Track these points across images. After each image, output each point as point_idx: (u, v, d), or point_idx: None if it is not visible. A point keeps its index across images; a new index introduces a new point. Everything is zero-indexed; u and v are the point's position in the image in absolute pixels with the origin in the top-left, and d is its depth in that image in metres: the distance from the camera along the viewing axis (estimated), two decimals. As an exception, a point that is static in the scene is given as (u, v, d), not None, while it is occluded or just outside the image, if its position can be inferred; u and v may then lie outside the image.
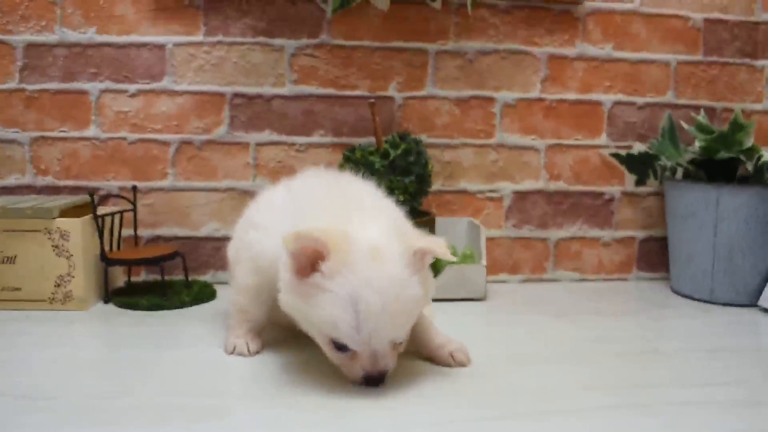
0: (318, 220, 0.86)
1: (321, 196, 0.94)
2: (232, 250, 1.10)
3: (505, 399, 0.86)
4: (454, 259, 0.94)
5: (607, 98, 1.53)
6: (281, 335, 1.09)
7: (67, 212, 1.27)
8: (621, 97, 1.54)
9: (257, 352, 1.03)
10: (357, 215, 0.88)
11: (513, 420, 0.80)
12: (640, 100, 1.54)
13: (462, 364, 0.97)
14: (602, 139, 1.55)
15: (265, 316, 1.05)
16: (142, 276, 1.48)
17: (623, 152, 1.51)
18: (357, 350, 0.84)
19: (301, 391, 0.88)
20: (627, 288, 1.52)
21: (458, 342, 0.99)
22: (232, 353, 1.02)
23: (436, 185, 1.48)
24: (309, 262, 0.83)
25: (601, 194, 1.56)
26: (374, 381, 0.86)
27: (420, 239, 0.89)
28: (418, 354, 1.00)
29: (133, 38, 1.44)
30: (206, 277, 1.48)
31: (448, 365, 0.97)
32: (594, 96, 1.53)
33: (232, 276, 1.08)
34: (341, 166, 1.36)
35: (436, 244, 0.88)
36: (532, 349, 1.07)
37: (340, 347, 0.85)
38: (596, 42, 1.52)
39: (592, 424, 0.80)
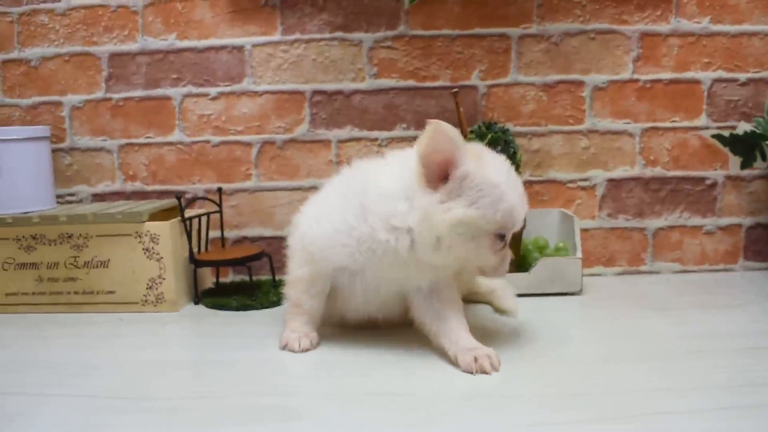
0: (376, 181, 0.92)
1: (371, 166, 0.98)
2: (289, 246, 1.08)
3: (602, 400, 0.80)
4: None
5: (706, 76, 1.43)
6: (368, 334, 1.06)
7: (156, 216, 1.29)
8: (721, 73, 1.43)
9: (308, 348, 1.00)
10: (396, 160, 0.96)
11: (611, 423, 0.73)
12: (742, 76, 1.43)
13: (484, 371, 0.89)
14: (702, 120, 1.44)
15: (320, 308, 1.03)
16: (229, 276, 1.49)
17: (726, 133, 1.40)
18: (509, 230, 0.90)
19: (389, 391, 0.85)
20: (734, 279, 1.41)
21: (488, 349, 0.92)
22: (284, 348, 1.01)
23: (524, 175, 1.42)
24: (440, 170, 0.86)
25: (702, 179, 1.46)
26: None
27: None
28: (445, 355, 0.94)
29: (212, 42, 1.45)
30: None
31: (470, 371, 0.89)
32: (691, 74, 1.43)
33: (288, 271, 1.06)
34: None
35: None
36: (631, 347, 1.00)
37: (502, 237, 0.89)
38: (692, 16, 1.42)
39: (702, 427, 0.72)
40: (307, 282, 1.01)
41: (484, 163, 0.87)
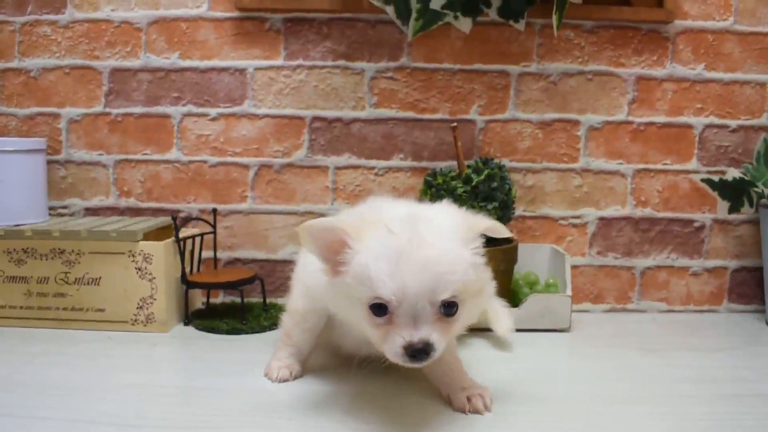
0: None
1: (372, 208, 0.90)
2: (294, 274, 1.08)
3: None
4: (510, 234, 0.90)
5: (698, 121, 1.46)
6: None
7: (150, 235, 1.29)
8: (713, 119, 1.46)
9: (286, 379, 1.00)
10: (407, 206, 0.88)
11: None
12: (733, 122, 1.47)
13: (477, 411, 0.89)
14: (693, 163, 1.47)
15: (309, 345, 1.04)
16: (220, 297, 1.48)
17: (715, 178, 1.43)
18: (394, 308, 0.76)
19: (380, 428, 0.85)
20: (718, 321, 1.44)
21: (482, 388, 0.92)
22: (265, 376, 1.02)
23: (517, 210, 1.43)
24: (335, 255, 0.81)
25: (691, 222, 1.48)
26: (415, 352, 0.76)
27: (477, 218, 0.86)
28: (439, 394, 0.95)
29: (215, 63, 1.46)
30: (283, 301, 1.46)
31: (462, 410, 0.89)
32: (684, 119, 1.46)
33: (289, 298, 1.06)
34: (422, 192, 1.33)
35: (493, 222, 0.85)
36: (618, 388, 1.01)
37: (379, 309, 0.78)
38: (687, 62, 1.45)
39: None
40: (300, 315, 1.01)
41: (367, 238, 0.80)
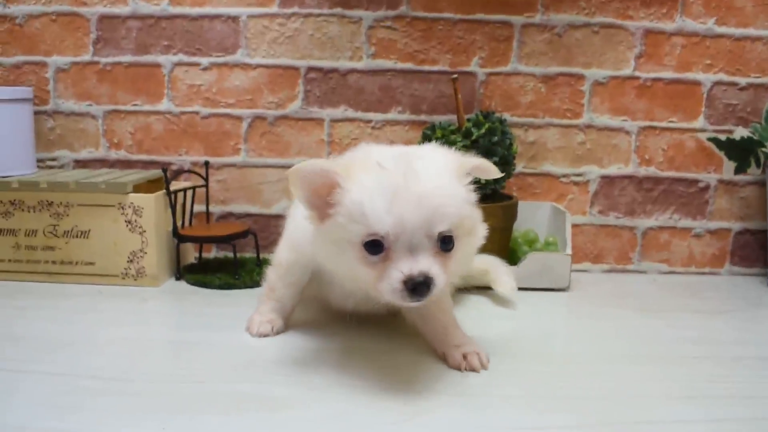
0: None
1: (368, 150, 0.85)
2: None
3: (589, 405, 0.78)
4: (500, 174, 0.87)
5: (707, 78, 1.41)
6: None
7: (140, 187, 1.25)
8: (722, 76, 1.41)
9: (266, 334, 0.98)
10: (397, 148, 0.85)
11: (593, 429, 0.73)
12: (742, 80, 1.42)
13: (473, 369, 0.87)
14: (699, 122, 1.43)
15: (293, 300, 1.01)
16: (212, 252, 1.46)
17: (722, 137, 1.39)
18: (391, 242, 0.74)
19: (373, 385, 0.83)
20: (719, 283, 1.41)
21: (478, 345, 0.90)
22: (246, 331, 1.00)
23: (518, 167, 1.40)
24: (324, 200, 0.78)
25: (695, 182, 1.45)
26: (416, 287, 0.73)
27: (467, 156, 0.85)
28: (434, 352, 0.93)
29: (207, 10, 1.40)
30: (276, 257, 1.45)
31: (458, 368, 0.87)
32: (692, 75, 1.41)
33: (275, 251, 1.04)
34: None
35: (482, 160, 0.85)
36: (618, 348, 0.99)
37: (374, 246, 0.75)
38: (697, 16, 1.39)
39: None
40: (285, 269, 0.99)
41: (357, 177, 0.77)
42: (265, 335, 0.98)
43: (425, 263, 0.74)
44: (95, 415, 0.73)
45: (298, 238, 0.93)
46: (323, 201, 0.78)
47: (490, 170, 0.85)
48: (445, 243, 0.77)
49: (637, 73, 1.41)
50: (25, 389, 0.78)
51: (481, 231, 0.86)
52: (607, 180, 1.44)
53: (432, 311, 0.92)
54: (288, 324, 1.02)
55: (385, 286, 0.75)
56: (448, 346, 0.90)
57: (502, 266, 1.20)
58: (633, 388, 0.84)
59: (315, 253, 0.85)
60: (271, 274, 1.02)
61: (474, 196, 0.83)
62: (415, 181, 0.75)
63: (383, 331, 1.01)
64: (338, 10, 1.39)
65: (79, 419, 0.72)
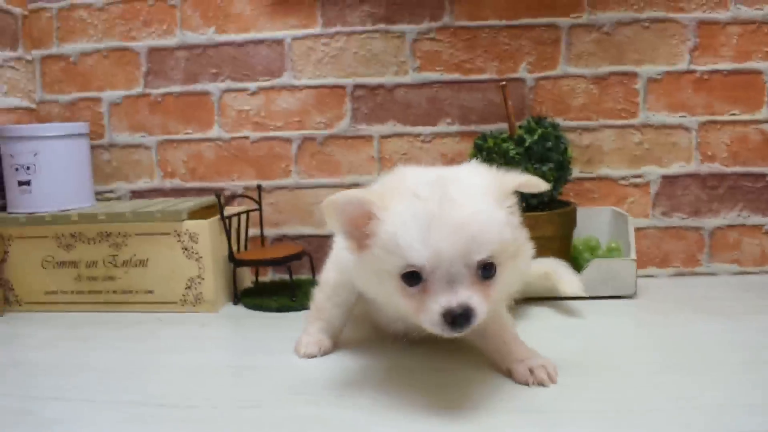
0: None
1: (396, 176, 0.83)
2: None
3: (662, 417, 0.74)
4: (548, 186, 0.82)
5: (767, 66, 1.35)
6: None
7: (195, 214, 1.26)
8: (785, 63, 1.35)
9: (314, 355, 0.97)
10: (433, 170, 0.82)
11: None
12: (807, 66, 1.35)
13: (541, 383, 0.83)
14: (763, 112, 1.36)
15: (341, 320, 1.00)
16: (269, 276, 1.46)
17: (789, 127, 1.33)
18: (428, 274, 0.72)
19: (437, 403, 0.80)
20: (796, 281, 1.34)
21: (544, 358, 0.86)
22: (295, 352, 0.98)
23: (574, 171, 1.36)
24: (360, 231, 0.76)
25: (762, 175, 1.38)
26: (456, 318, 0.71)
27: (509, 175, 0.80)
28: (498, 369, 0.89)
29: (252, 35, 1.42)
30: (332, 277, 1.44)
31: (525, 383, 0.83)
32: (752, 64, 1.35)
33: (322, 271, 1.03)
34: (472, 156, 1.27)
35: (527, 177, 0.80)
36: (690, 356, 0.93)
37: (411, 278, 0.73)
38: (753, 2, 1.33)
39: None
40: (331, 288, 0.98)
41: (391, 206, 0.75)
42: (313, 356, 0.97)
43: (464, 295, 0.72)
44: (159, 444, 0.72)
45: (344, 258, 0.90)
46: (360, 231, 0.77)
47: (536, 185, 0.81)
48: (486, 270, 0.74)
49: (693, 67, 1.36)
50: (91, 418, 0.79)
51: (528, 252, 0.83)
52: (669, 180, 1.38)
53: (491, 328, 0.89)
54: (338, 344, 1.01)
55: (424, 318, 0.73)
56: (513, 361, 0.86)
57: (563, 267, 1.16)
58: (710, 397, 0.79)
59: (356, 282, 0.85)
60: (318, 294, 1.01)
61: (517, 218, 0.79)
62: (451, 208, 0.72)
63: (441, 350, 0.98)
64: (381, 26, 1.38)
65: (144, 448, 0.71)
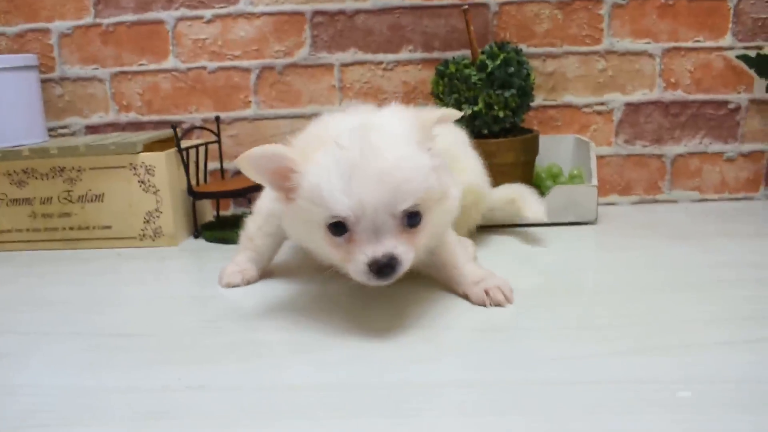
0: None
1: (318, 124, 0.83)
2: None
3: (623, 333, 0.75)
4: (461, 113, 0.83)
5: (734, -9, 1.34)
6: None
7: (152, 147, 1.23)
8: (750, -12, 1.34)
9: (236, 284, 0.97)
10: (354, 116, 0.81)
11: (633, 356, 0.69)
12: (772, -10, 1.34)
13: (498, 304, 0.83)
14: (727, 39, 1.35)
15: (271, 250, 0.99)
16: (230, 209, 1.44)
17: (752, 53, 1.32)
18: (352, 224, 0.72)
19: (398, 325, 0.80)
20: (755, 208, 1.35)
21: (499, 278, 0.86)
22: (219, 281, 0.98)
23: (537, 99, 1.34)
24: (284, 184, 0.76)
25: (725, 103, 1.38)
26: (381, 268, 0.71)
27: (427, 113, 0.79)
28: (455, 292, 0.89)
29: (206, -40, 1.36)
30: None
31: (482, 304, 0.84)
32: (717, -11, 1.34)
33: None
34: (434, 82, 1.24)
35: (442, 110, 0.79)
36: (648, 277, 0.95)
37: (337, 228, 0.73)
38: (720, -75, 1.31)
39: (720, 361, 0.67)
40: (263, 218, 0.97)
41: (313, 158, 0.74)
42: (235, 285, 0.97)
43: (389, 244, 0.72)
44: (115, 370, 0.71)
45: None
46: (284, 182, 0.76)
47: (453, 115, 0.81)
48: (412, 218, 0.74)
49: (658, -8, 1.34)
50: (45, 350, 0.78)
51: (454, 194, 0.82)
52: (632, 107, 1.38)
53: (442, 257, 0.89)
54: (265, 274, 1.01)
55: (352, 268, 0.74)
56: (468, 285, 0.86)
57: (528, 192, 1.15)
58: (668, 314, 0.80)
59: (285, 230, 0.84)
60: (250, 223, 1.00)
61: (442, 161, 0.78)
62: (374, 157, 0.71)
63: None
64: (340, -52, 1.33)
65: (98, 374, 0.71)
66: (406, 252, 0.73)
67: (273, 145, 0.76)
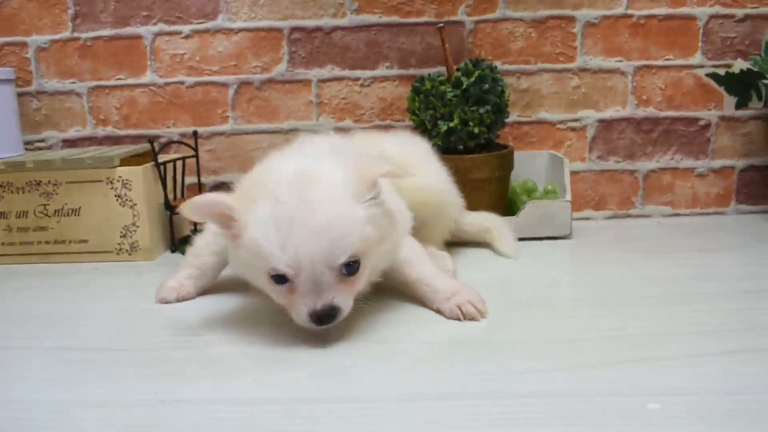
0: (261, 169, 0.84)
1: (261, 170, 0.85)
2: None
3: (594, 346, 0.76)
4: (414, 175, 0.85)
5: (702, 11, 1.37)
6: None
7: (129, 161, 1.23)
8: (718, 9, 1.37)
9: (167, 301, 0.97)
10: (310, 154, 0.84)
11: (603, 369, 0.70)
12: (739, 11, 1.37)
13: (472, 318, 0.84)
14: (697, 58, 1.39)
15: (214, 270, 0.99)
16: (208, 225, 1.44)
17: (721, 71, 1.35)
18: (292, 277, 0.75)
19: (373, 338, 0.81)
20: (725, 223, 1.39)
21: (471, 291, 0.87)
22: (156, 296, 0.98)
23: (512, 116, 1.37)
24: (227, 226, 0.79)
25: (696, 120, 1.41)
26: (320, 318, 0.75)
27: (375, 165, 0.80)
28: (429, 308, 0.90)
29: (185, -24, 1.37)
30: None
31: (457, 319, 0.85)
32: (687, 10, 1.37)
33: None
34: (410, 99, 1.26)
35: (390, 167, 0.80)
36: (623, 291, 0.96)
37: (278, 279, 0.76)
38: (689, -53, 1.35)
39: (692, 372, 0.69)
40: (212, 236, 0.97)
41: (253, 210, 0.76)
42: (167, 302, 0.97)
43: (328, 296, 0.75)
44: (90, 384, 0.71)
45: None
46: (227, 226, 0.79)
47: (403, 173, 0.82)
48: (350, 267, 0.77)
49: (629, 11, 1.37)
50: (23, 365, 0.77)
51: (394, 235, 0.85)
52: (605, 124, 1.41)
53: (410, 275, 0.90)
54: (209, 290, 1.00)
55: (295, 315, 0.77)
56: (440, 301, 0.87)
57: (505, 225, 1.17)
58: (641, 327, 0.82)
59: (231, 267, 0.86)
60: (198, 240, 1.00)
61: (379, 209, 0.80)
62: (311, 212, 0.74)
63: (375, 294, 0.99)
64: (318, -34, 1.35)
65: (72, 389, 0.70)
66: (345, 300, 0.77)
67: (215, 194, 0.80)
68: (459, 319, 0.85)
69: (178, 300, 0.97)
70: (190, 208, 0.79)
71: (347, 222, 0.75)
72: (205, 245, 0.98)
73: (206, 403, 0.66)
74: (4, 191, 1.22)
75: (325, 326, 0.76)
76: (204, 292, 1.00)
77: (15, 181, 1.22)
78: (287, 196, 0.75)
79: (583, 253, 1.19)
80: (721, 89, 1.37)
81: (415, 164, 0.99)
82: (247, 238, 0.76)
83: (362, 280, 0.80)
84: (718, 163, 1.43)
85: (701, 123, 1.41)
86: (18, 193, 1.22)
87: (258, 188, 0.79)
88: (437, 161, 1.11)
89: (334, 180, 0.77)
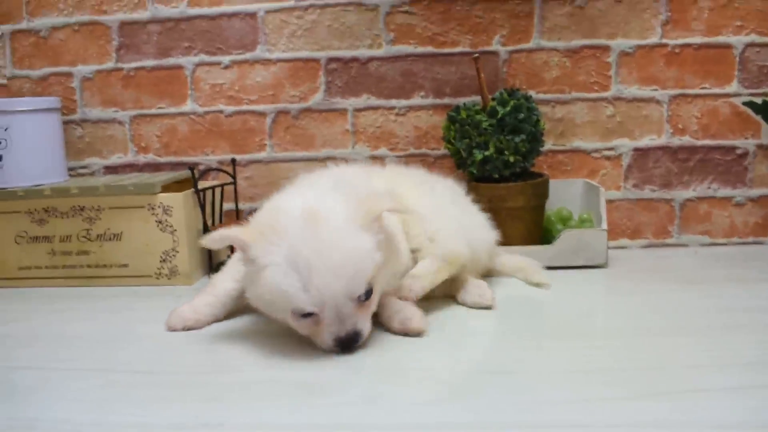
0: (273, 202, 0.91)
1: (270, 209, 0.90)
2: None
3: (631, 377, 0.76)
4: (414, 212, 0.93)
5: (738, 40, 1.37)
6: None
7: (169, 187, 1.26)
8: (754, 37, 1.36)
9: (175, 329, 0.97)
10: (311, 190, 0.89)
11: (640, 401, 0.69)
12: (776, 40, 1.37)
13: (418, 333, 0.89)
14: (733, 86, 1.38)
15: (234, 299, 1.00)
16: (244, 251, 1.46)
17: (758, 100, 1.34)
18: (317, 312, 0.81)
19: (409, 367, 0.81)
20: (764, 253, 1.36)
21: (411, 310, 0.91)
22: (167, 322, 0.98)
23: (547, 144, 1.37)
24: (244, 253, 0.86)
25: (733, 148, 1.40)
26: (346, 344, 0.82)
27: (379, 201, 0.87)
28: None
29: (224, 8, 1.41)
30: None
31: (406, 334, 0.90)
32: (723, 38, 1.37)
33: None
34: (446, 128, 1.27)
35: (394, 204, 0.89)
36: (660, 321, 0.95)
37: (302, 314, 0.82)
38: (724, -23, 1.35)
39: (725, 406, 0.67)
40: (235, 260, 0.99)
41: (269, 248, 0.82)
42: (174, 330, 0.97)
43: (351, 322, 0.82)
44: (131, 406, 0.72)
45: None
46: (244, 253, 0.85)
47: (401, 210, 0.91)
48: (366, 294, 0.83)
49: (664, 41, 1.37)
50: (62, 385, 0.79)
51: (396, 249, 0.91)
52: (641, 152, 1.40)
53: (393, 306, 0.92)
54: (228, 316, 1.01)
55: (320, 343, 0.84)
56: (384, 318, 0.92)
57: (534, 264, 1.16)
58: (679, 359, 0.81)
59: (250, 300, 0.89)
60: (225, 267, 1.04)
61: (382, 235, 0.86)
62: (327, 252, 0.79)
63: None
64: (355, -2, 1.38)
65: (114, 410, 0.72)
66: (365, 322, 0.84)
67: (231, 229, 0.85)
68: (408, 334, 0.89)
69: (184, 329, 0.98)
70: (208, 243, 0.86)
71: (361, 255, 0.82)
72: (226, 271, 1.02)
73: (249, 428, 0.67)
74: (49, 216, 1.26)
75: (350, 351, 0.83)
76: (220, 319, 1.01)
77: (60, 206, 1.25)
78: (300, 237, 0.80)
79: (619, 282, 1.18)
80: (758, 118, 1.36)
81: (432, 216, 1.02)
82: (269, 279, 0.81)
83: (376, 302, 0.87)
84: (756, 192, 1.41)
85: (738, 152, 1.40)
86: (62, 218, 1.25)
87: (269, 228, 0.83)
88: (462, 197, 1.15)
89: (341, 215, 0.83)
